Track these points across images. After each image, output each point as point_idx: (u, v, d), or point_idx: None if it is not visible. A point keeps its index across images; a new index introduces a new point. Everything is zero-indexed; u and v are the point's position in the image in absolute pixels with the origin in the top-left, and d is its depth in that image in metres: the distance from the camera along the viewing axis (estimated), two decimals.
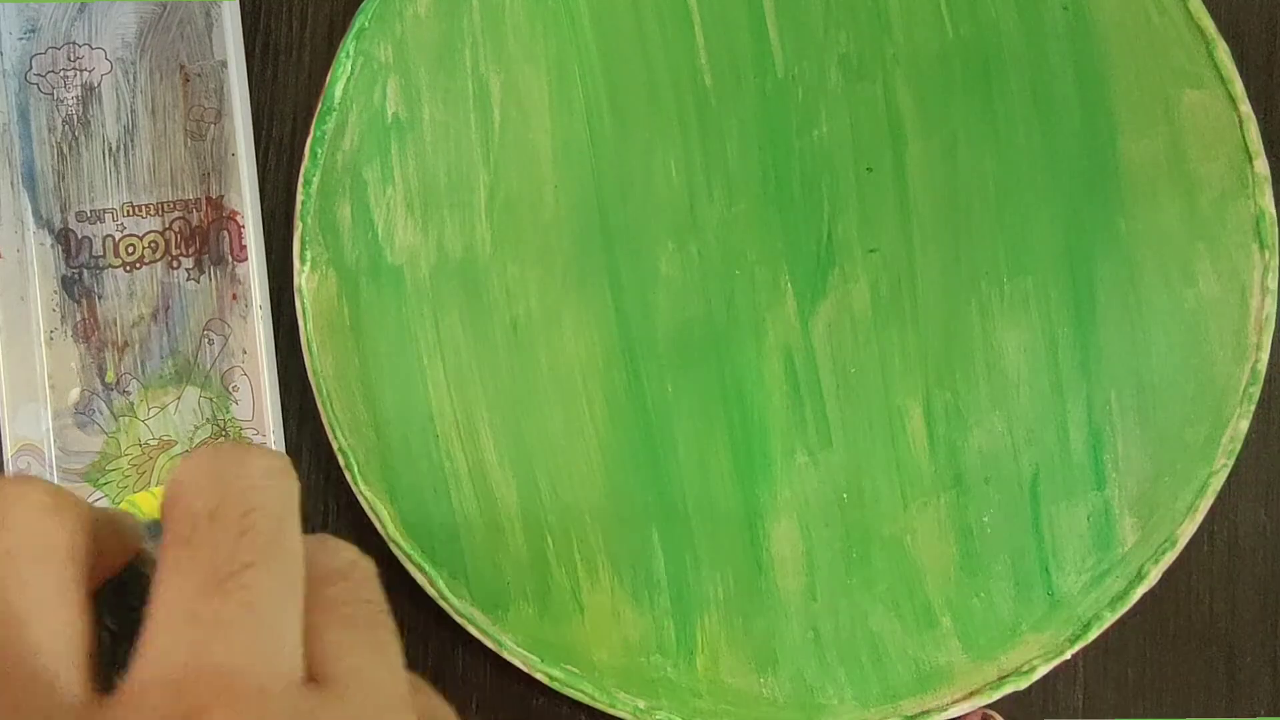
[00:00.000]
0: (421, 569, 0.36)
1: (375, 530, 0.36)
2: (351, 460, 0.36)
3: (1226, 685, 0.38)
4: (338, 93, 0.37)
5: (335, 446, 0.36)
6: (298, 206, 0.36)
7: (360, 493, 0.36)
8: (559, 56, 0.37)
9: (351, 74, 0.37)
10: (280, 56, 0.38)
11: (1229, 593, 0.38)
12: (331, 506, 0.38)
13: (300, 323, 0.36)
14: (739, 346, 0.37)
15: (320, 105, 0.36)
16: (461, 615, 0.36)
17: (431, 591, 0.36)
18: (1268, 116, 0.38)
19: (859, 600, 0.37)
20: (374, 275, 0.37)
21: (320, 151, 0.36)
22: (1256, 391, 0.36)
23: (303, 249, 0.36)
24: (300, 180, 0.36)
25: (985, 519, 0.37)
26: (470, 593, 0.36)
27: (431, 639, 0.38)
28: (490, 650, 0.36)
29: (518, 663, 0.36)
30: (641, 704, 0.36)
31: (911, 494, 0.37)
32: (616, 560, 0.37)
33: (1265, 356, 0.36)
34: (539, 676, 0.36)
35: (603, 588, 0.37)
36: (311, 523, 0.38)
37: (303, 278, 0.36)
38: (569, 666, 0.36)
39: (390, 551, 0.36)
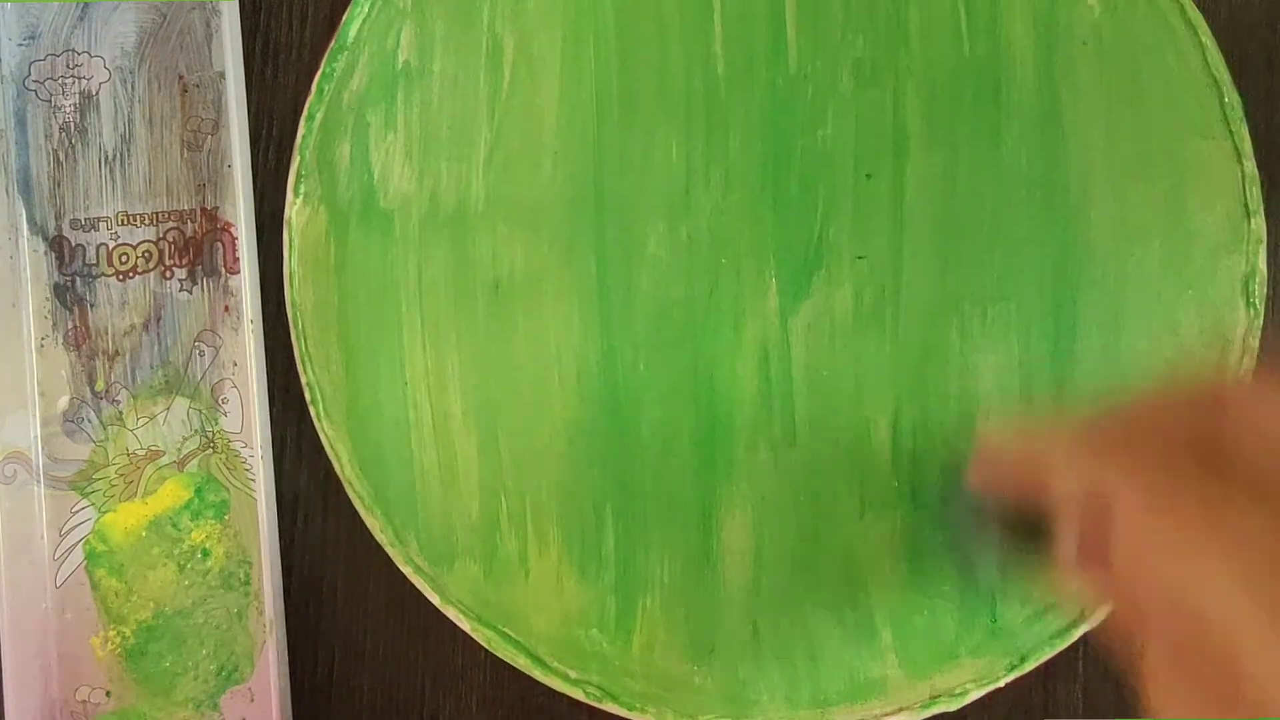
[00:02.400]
0: (372, 512, 0.36)
1: (334, 471, 0.37)
2: (318, 395, 0.36)
3: None
4: (351, 33, 0.37)
5: (303, 381, 0.36)
6: (298, 140, 0.36)
7: (322, 430, 0.36)
8: (576, 25, 0.37)
9: (369, 16, 0.37)
10: (279, 56, 0.38)
11: None
12: (327, 507, 0.38)
13: (285, 254, 0.36)
14: (716, 335, 0.37)
15: (333, 43, 0.37)
16: (407, 564, 0.36)
17: (380, 537, 0.36)
18: (1268, 117, 0.38)
19: (802, 602, 0.37)
20: (364, 218, 0.37)
21: (327, 88, 0.37)
22: None
23: (298, 182, 0.37)
24: (304, 114, 0.36)
25: (939, 539, 0.37)
26: (419, 543, 0.37)
27: (431, 638, 0.38)
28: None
29: (455, 618, 0.36)
30: (573, 674, 0.36)
31: (869, 504, 0.37)
32: (567, 531, 0.37)
33: None
34: (476, 636, 0.36)
35: (550, 556, 0.37)
36: (301, 512, 0.38)
37: (294, 210, 0.36)
38: (506, 629, 0.36)
39: (345, 493, 0.37)
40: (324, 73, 0.37)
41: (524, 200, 0.37)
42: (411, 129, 0.37)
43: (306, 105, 0.37)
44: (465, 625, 0.36)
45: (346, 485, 0.36)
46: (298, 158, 0.36)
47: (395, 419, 0.37)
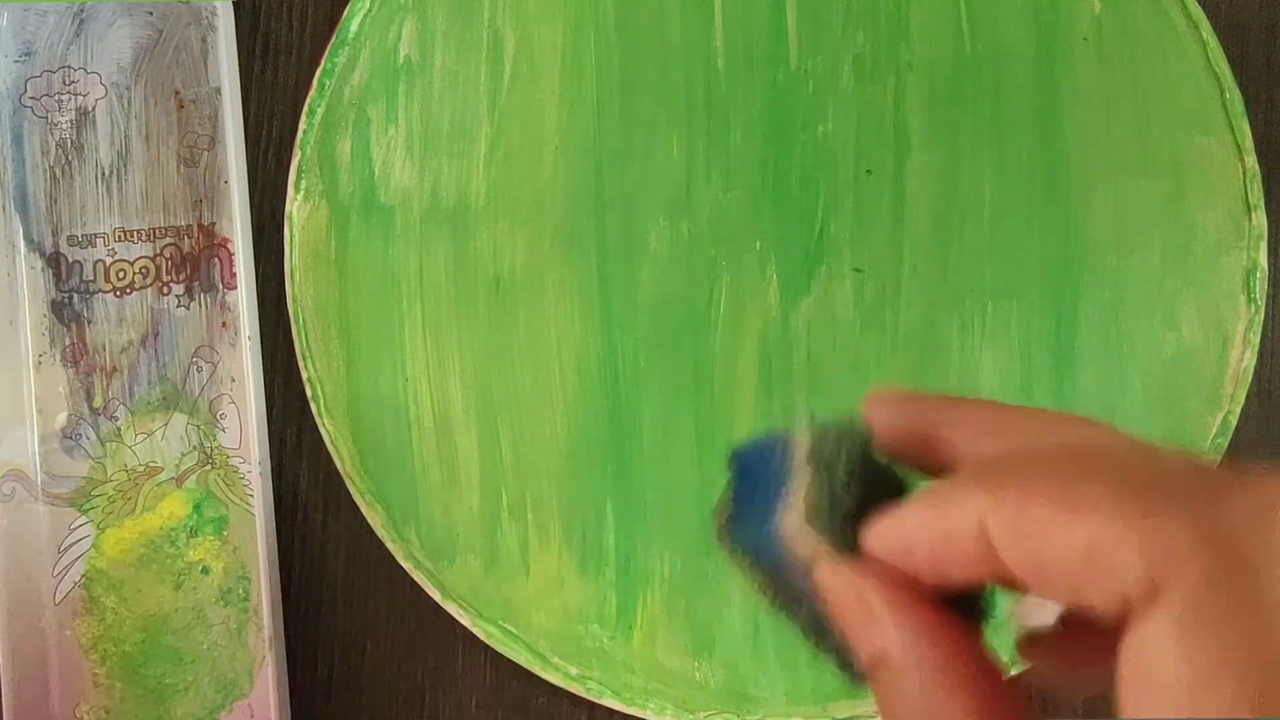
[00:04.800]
0: (373, 509, 0.36)
1: (334, 468, 0.36)
2: (319, 391, 0.36)
3: None
4: (353, 28, 0.37)
5: (304, 377, 0.36)
6: (299, 135, 0.36)
7: (323, 425, 0.36)
8: (576, 20, 0.37)
9: (370, 11, 0.37)
10: (279, 57, 0.38)
11: None
12: (327, 506, 0.38)
13: (286, 250, 0.36)
14: (716, 330, 0.37)
15: (334, 38, 0.36)
16: (408, 560, 0.36)
17: (381, 533, 0.36)
18: (1268, 116, 0.38)
19: None
20: (365, 213, 0.37)
21: (328, 84, 0.37)
22: (1224, 443, 0.36)
23: (299, 177, 0.36)
24: (305, 109, 0.36)
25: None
26: (419, 539, 0.37)
27: (431, 637, 0.38)
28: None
29: (455, 614, 0.36)
30: (574, 670, 0.36)
31: None
32: (568, 526, 0.37)
33: (1238, 409, 0.36)
34: (476, 632, 0.36)
35: (551, 552, 0.37)
36: (301, 510, 0.38)
37: (295, 205, 0.36)
38: (507, 625, 0.36)
39: (347, 490, 0.36)
40: (325, 68, 0.36)
41: (525, 196, 0.37)
42: (412, 124, 0.37)
43: (307, 100, 0.37)
44: (465, 621, 0.36)
45: (347, 481, 0.36)
46: (299, 153, 0.36)
47: (396, 415, 0.37)
